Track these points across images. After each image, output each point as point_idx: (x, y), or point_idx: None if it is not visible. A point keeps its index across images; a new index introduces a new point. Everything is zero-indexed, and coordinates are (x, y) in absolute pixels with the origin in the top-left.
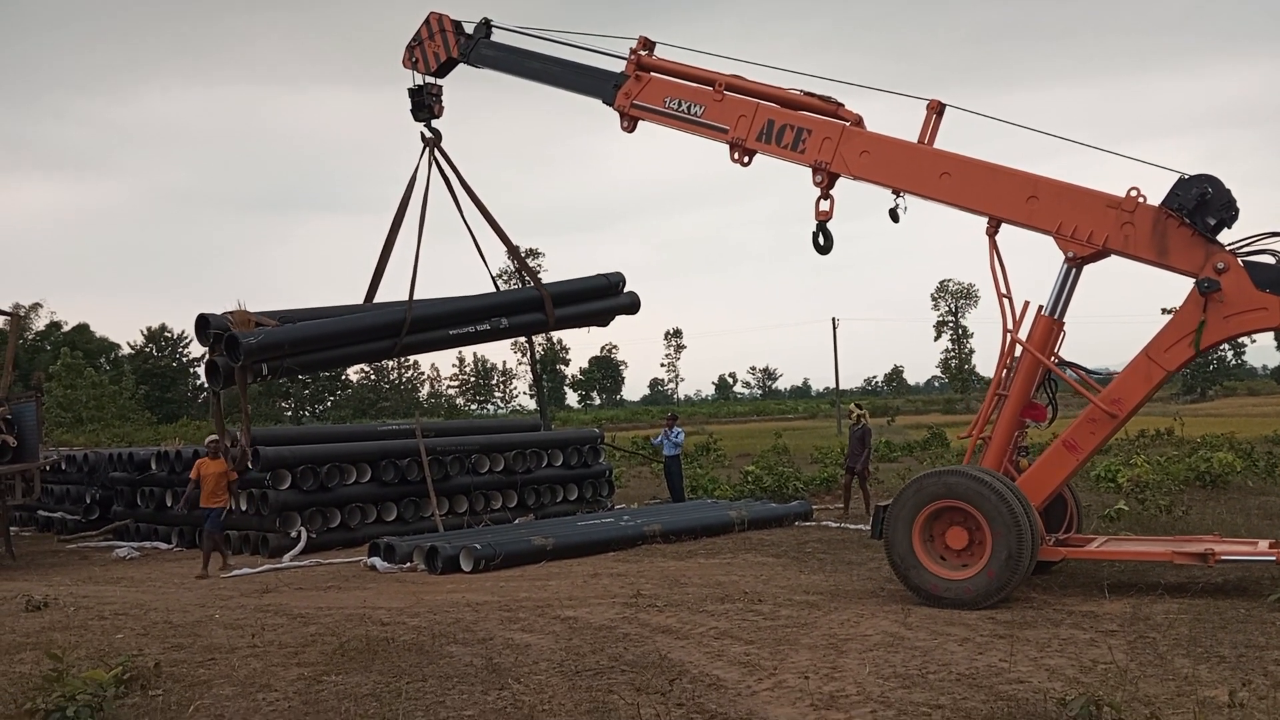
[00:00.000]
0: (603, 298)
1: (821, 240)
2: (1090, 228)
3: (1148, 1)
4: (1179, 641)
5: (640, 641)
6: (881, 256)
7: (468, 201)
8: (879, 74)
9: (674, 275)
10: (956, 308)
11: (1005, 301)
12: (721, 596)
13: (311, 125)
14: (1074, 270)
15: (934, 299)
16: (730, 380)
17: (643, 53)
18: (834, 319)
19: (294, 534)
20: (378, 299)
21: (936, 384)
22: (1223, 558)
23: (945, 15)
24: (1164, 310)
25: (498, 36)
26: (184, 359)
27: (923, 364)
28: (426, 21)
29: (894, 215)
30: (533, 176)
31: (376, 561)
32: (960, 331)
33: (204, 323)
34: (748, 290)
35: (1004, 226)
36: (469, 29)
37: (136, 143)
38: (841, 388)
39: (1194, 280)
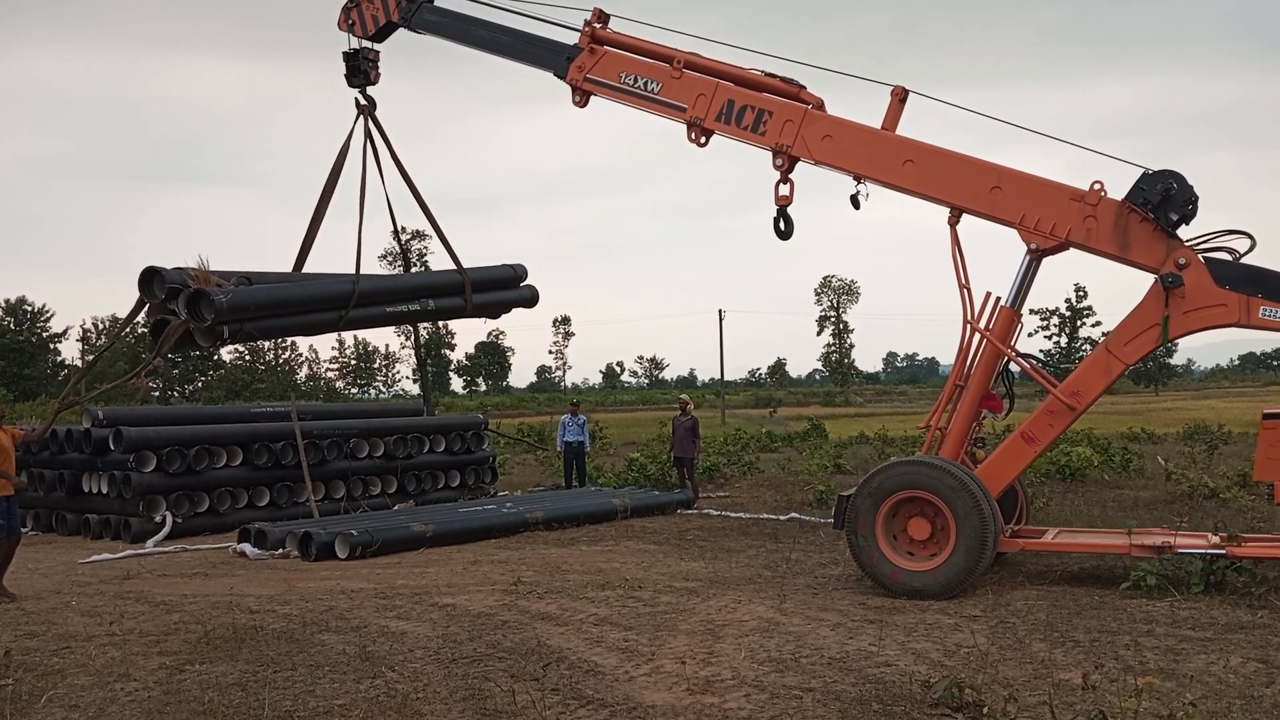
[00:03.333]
0: (507, 288)
1: (783, 226)
2: (1053, 220)
3: (1025, 14)
4: (1037, 627)
5: (519, 629)
6: (769, 251)
7: (391, 175)
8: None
9: (564, 262)
10: (838, 303)
11: (965, 292)
12: (602, 583)
13: (188, 94)
14: (1034, 262)
15: (817, 294)
16: (618, 369)
17: (597, 25)
18: (720, 310)
19: (159, 519)
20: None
21: (818, 376)
22: (1179, 550)
23: (832, 20)
24: (1031, 311)
25: (442, 1)
26: (44, 334)
27: (805, 357)
28: None
29: (855, 202)
30: (420, 155)
31: (247, 548)
32: (841, 326)
33: (152, 276)
34: (637, 280)
35: (965, 216)
36: None
37: None
38: (726, 378)
39: (1155, 275)
